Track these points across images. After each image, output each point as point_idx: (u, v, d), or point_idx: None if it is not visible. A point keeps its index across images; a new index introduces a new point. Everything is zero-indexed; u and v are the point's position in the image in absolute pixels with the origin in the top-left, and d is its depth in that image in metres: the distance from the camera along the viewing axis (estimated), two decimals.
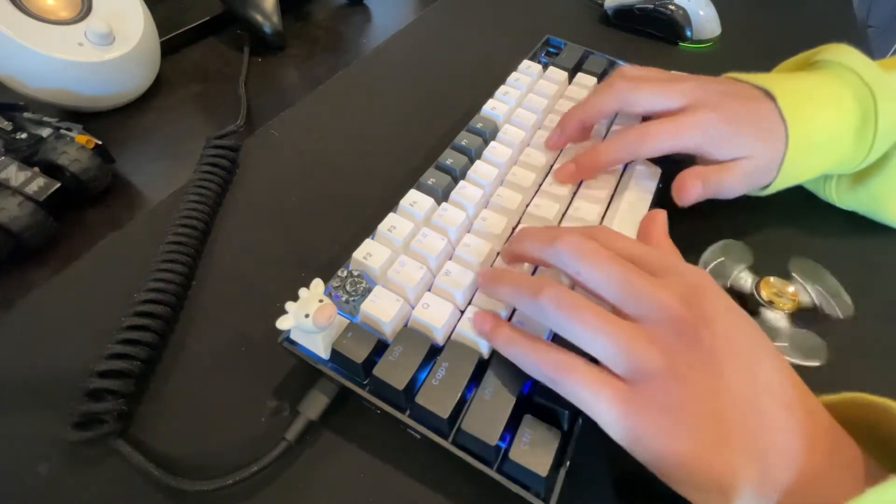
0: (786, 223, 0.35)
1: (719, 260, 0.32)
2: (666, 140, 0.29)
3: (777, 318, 0.29)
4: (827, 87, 0.30)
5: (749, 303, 0.30)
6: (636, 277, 0.21)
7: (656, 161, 0.34)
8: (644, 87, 0.31)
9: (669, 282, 0.21)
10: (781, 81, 0.31)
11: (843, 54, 0.31)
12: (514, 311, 0.26)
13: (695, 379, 0.19)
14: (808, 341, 0.28)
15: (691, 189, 0.29)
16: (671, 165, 0.33)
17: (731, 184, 0.30)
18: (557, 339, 0.23)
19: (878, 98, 0.29)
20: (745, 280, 0.30)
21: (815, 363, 0.27)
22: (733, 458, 0.18)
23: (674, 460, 0.19)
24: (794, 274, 0.30)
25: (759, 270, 0.31)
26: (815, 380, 0.21)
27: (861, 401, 0.20)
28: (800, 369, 0.27)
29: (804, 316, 0.29)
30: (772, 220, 0.35)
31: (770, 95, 0.30)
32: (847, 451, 0.19)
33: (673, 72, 0.34)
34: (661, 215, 0.26)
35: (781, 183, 0.31)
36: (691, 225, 0.30)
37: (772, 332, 0.28)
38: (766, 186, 0.31)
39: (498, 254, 0.28)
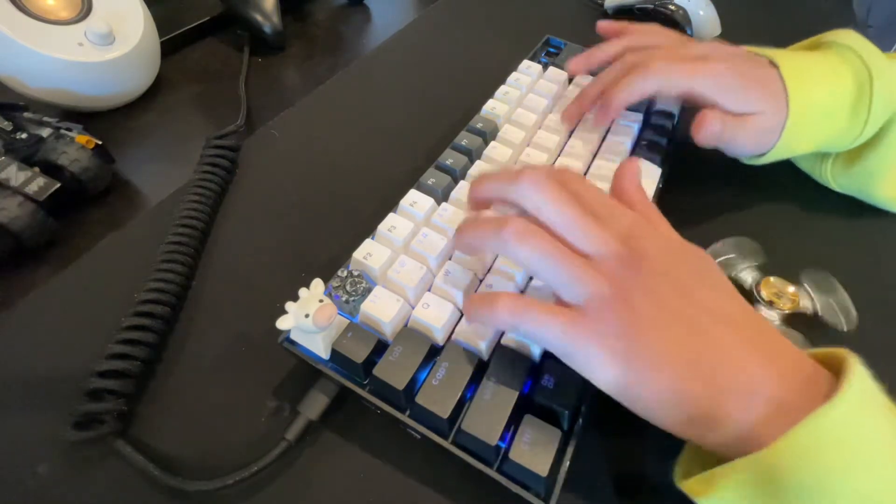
0: (800, 225, 0.36)
1: (729, 255, 0.32)
2: (685, 76, 0.31)
3: (771, 316, 0.29)
4: (827, 64, 0.32)
5: (747, 299, 0.30)
6: (586, 217, 0.22)
7: (657, 161, 0.34)
8: (663, 37, 0.33)
9: (612, 223, 0.23)
10: (786, 55, 0.32)
11: (846, 36, 0.33)
12: None
13: (642, 307, 0.20)
14: (794, 342, 0.28)
15: (711, 125, 0.30)
16: (671, 166, 0.33)
17: (745, 136, 0.31)
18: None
19: (874, 76, 0.31)
20: (747, 277, 0.30)
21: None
22: (679, 370, 0.19)
23: (640, 389, 0.20)
24: (804, 284, 0.30)
25: (768, 270, 0.31)
26: None
27: (817, 354, 0.21)
28: None
29: (800, 319, 0.29)
30: (786, 221, 0.36)
31: (774, 65, 0.31)
32: (800, 367, 0.20)
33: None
34: (635, 162, 0.27)
35: (778, 152, 0.32)
36: (705, 217, 0.31)
37: None
38: (762, 155, 0.33)
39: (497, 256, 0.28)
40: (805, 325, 0.29)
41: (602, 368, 0.20)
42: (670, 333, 0.20)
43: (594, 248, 0.22)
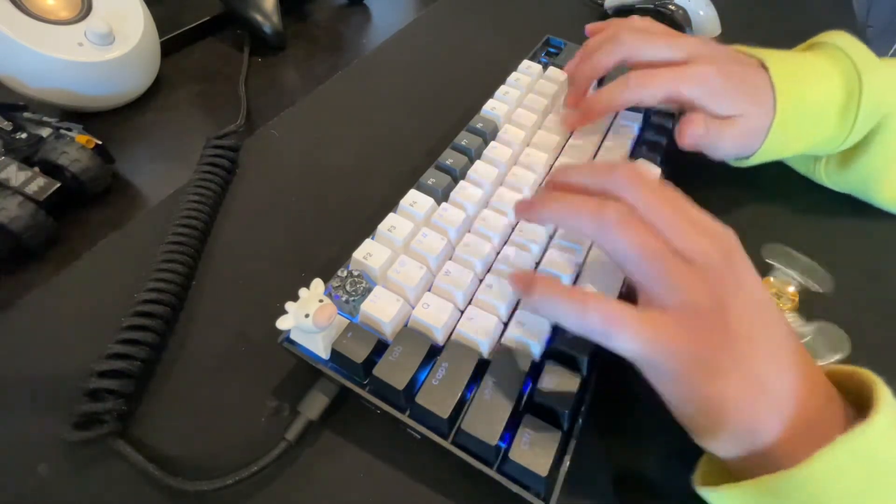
0: (799, 226, 0.36)
1: None
2: (667, 85, 0.30)
3: (792, 320, 0.29)
4: (817, 65, 0.32)
5: None
6: (690, 220, 0.22)
7: (657, 161, 0.34)
8: (649, 39, 0.32)
9: (713, 235, 0.22)
10: (776, 56, 0.32)
11: (838, 38, 0.33)
12: (512, 313, 0.26)
13: (736, 326, 0.20)
14: (829, 333, 0.29)
15: (695, 128, 0.30)
16: (670, 166, 0.33)
17: (728, 138, 0.31)
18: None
19: (863, 79, 0.30)
20: None
21: (839, 356, 0.28)
22: (759, 408, 0.19)
23: (708, 403, 0.20)
24: (768, 260, 0.31)
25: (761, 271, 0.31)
26: None
27: (838, 371, 0.22)
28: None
29: (808, 309, 0.29)
30: (785, 222, 0.36)
31: (764, 66, 0.31)
32: (839, 405, 0.20)
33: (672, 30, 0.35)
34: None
35: (764, 154, 0.32)
36: None
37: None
38: (748, 157, 0.32)
39: (498, 252, 0.28)
40: (813, 313, 0.29)
41: (659, 371, 0.20)
42: (756, 359, 0.20)
43: (697, 253, 0.21)
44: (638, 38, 0.32)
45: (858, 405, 0.20)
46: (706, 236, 0.21)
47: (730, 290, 0.20)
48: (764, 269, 0.32)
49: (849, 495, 0.18)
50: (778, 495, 0.18)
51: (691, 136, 0.30)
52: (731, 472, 0.21)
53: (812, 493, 0.18)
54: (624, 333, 0.20)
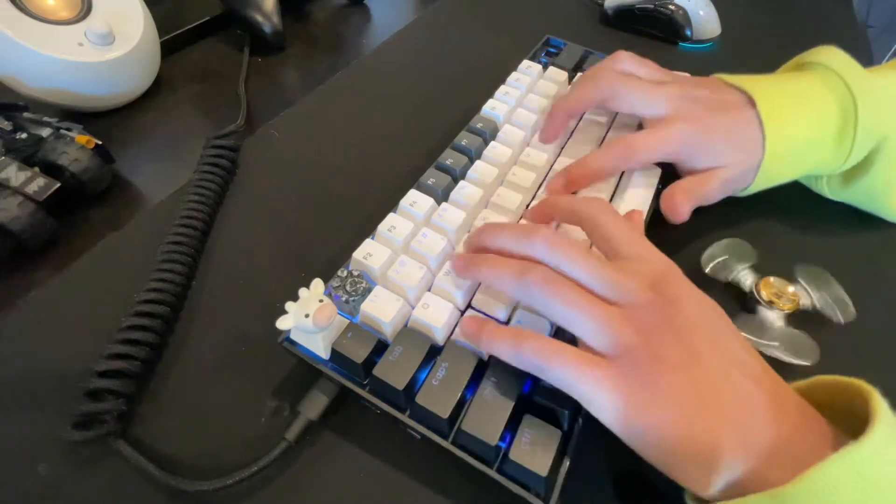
0: (791, 223, 0.36)
1: (723, 258, 0.32)
2: (649, 153, 0.30)
3: (774, 317, 0.29)
4: (809, 90, 0.31)
5: (748, 301, 0.30)
6: (608, 268, 0.22)
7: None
8: (629, 87, 0.32)
9: (639, 268, 0.22)
10: (764, 85, 0.31)
11: (828, 55, 0.32)
12: (512, 313, 0.26)
13: (668, 354, 0.20)
14: (800, 341, 0.28)
15: (681, 206, 0.30)
16: (666, 164, 0.33)
17: (713, 192, 0.31)
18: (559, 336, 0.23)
19: (858, 101, 0.30)
20: (746, 279, 0.31)
21: (806, 363, 0.27)
22: (712, 425, 0.19)
23: (657, 432, 0.20)
24: (799, 279, 0.30)
25: (761, 270, 0.31)
26: (803, 376, 0.22)
27: (829, 381, 0.21)
28: (789, 367, 0.27)
29: (801, 317, 0.29)
30: (777, 221, 0.36)
31: (751, 101, 0.30)
32: (815, 423, 0.20)
33: (664, 70, 0.35)
34: (639, 215, 0.28)
35: (759, 184, 0.32)
36: (694, 223, 0.31)
37: (766, 331, 0.28)
38: (744, 188, 0.32)
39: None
40: (805, 322, 0.29)
41: (616, 415, 0.20)
42: (692, 385, 0.20)
43: (622, 296, 0.21)
44: (617, 84, 0.32)
45: (850, 419, 0.19)
46: (631, 273, 0.22)
47: (660, 322, 0.21)
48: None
49: None
50: None
51: (680, 215, 0.30)
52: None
53: None
54: (559, 365, 0.21)
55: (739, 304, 0.30)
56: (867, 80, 0.30)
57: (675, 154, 0.31)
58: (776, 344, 0.28)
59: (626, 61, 0.34)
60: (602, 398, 0.20)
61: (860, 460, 0.17)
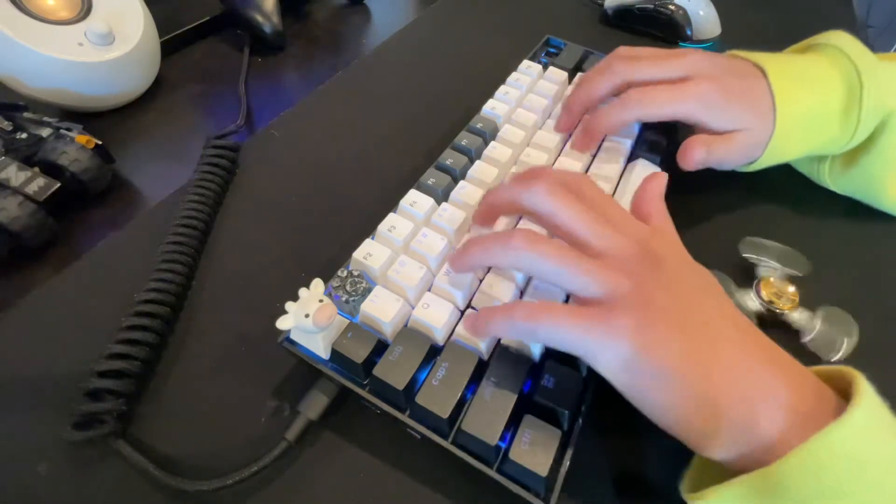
0: (798, 227, 0.36)
1: (768, 260, 0.32)
2: (666, 104, 0.30)
3: (799, 316, 0.29)
4: (817, 68, 0.32)
5: (766, 315, 0.30)
6: (600, 219, 0.23)
7: (656, 161, 0.34)
8: (641, 64, 0.32)
9: (627, 230, 0.23)
10: (775, 60, 0.32)
11: (837, 38, 0.32)
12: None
13: (660, 299, 0.20)
14: (838, 317, 0.29)
15: (696, 153, 0.30)
16: (670, 166, 0.33)
17: (732, 154, 0.31)
18: None
19: (864, 80, 0.30)
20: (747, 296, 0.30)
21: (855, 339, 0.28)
22: (706, 367, 0.19)
23: (661, 376, 0.19)
24: (745, 255, 0.31)
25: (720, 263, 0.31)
26: None
27: (820, 371, 0.21)
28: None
29: (808, 301, 0.29)
30: (787, 223, 0.36)
31: (762, 72, 0.31)
32: (811, 379, 0.20)
33: (666, 49, 0.35)
34: (662, 177, 0.27)
35: (768, 159, 0.32)
36: (704, 217, 0.32)
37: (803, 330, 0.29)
38: (752, 162, 0.32)
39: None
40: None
41: (617, 361, 0.20)
42: (689, 330, 0.20)
43: (610, 247, 0.22)
44: (630, 65, 0.32)
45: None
46: (620, 230, 0.23)
47: (648, 271, 0.21)
48: (742, 266, 0.32)
49: (828, 493, 0.17)
50: (762, 494, 0.18)
51: (693, 160, 0.30)
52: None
53: (787, 492, 0.17)
54: (550, 321, 0.20)
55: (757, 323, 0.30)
56: (872, 59, 0.31)
57: (693, 111, 0.30)
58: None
59: (629, 50, 0.34)
60: (599, 346, 0.20)
61: (839, 440, 0.17)
